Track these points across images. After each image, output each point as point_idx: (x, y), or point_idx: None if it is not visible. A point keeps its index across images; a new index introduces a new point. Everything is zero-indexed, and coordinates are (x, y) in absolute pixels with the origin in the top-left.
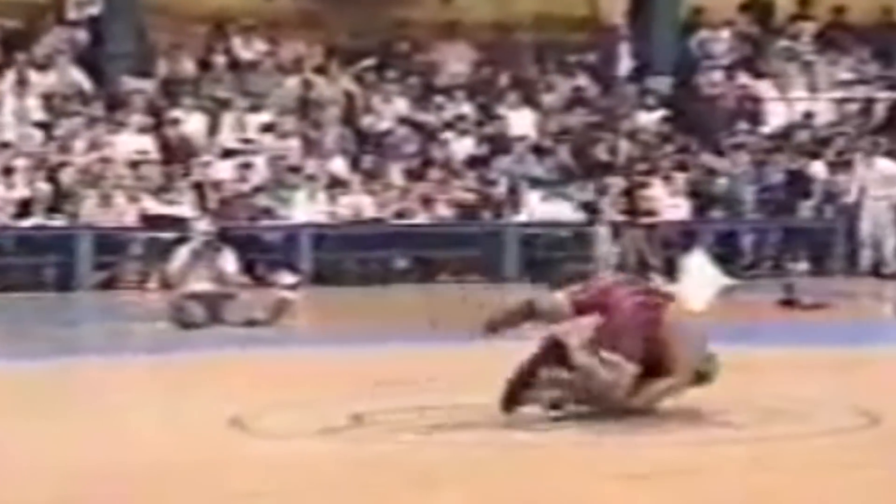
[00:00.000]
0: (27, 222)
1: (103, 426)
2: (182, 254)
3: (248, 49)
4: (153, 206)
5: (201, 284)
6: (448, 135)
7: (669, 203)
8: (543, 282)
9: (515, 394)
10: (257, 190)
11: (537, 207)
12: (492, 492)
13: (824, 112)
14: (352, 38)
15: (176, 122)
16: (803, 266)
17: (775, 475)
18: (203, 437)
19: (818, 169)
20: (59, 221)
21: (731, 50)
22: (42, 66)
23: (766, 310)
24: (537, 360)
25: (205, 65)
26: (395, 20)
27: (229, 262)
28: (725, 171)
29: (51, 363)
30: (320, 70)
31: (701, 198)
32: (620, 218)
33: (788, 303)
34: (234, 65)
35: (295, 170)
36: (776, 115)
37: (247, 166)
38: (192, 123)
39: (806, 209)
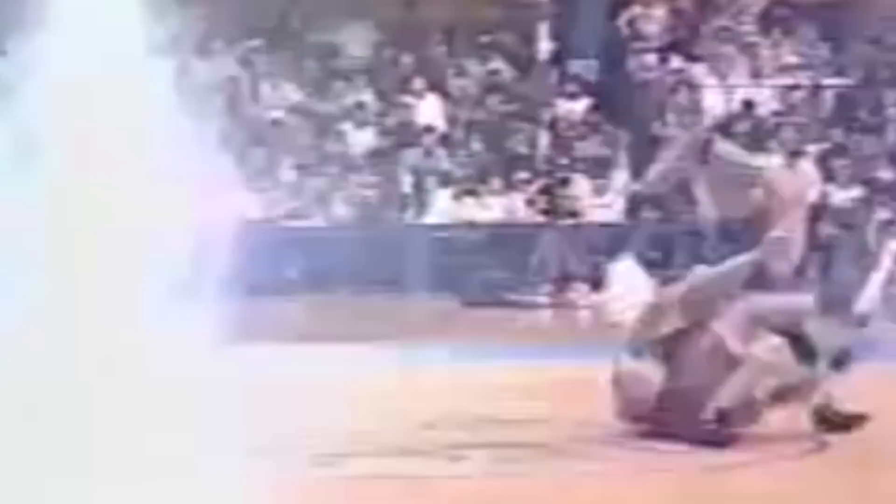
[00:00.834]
0: None
1: None
2: None
3: None
4: None
5: None
6: (346, 125)
7: (596, 202)
8: (451, 291)
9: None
10: None
11: (447, 207)
12: None
13: (768, 100)
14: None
15: None
16: None
17: None
18: None
19: (762, 163)
20: None
21: (665, 30)
22: None
23: None
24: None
25: None
26: None
27: None
28: None
29: None
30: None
31: (631, 197)
32: (539, 219)
33: None
34: None
35: None
36: (714, 104)
37: None
38: None
39: None
